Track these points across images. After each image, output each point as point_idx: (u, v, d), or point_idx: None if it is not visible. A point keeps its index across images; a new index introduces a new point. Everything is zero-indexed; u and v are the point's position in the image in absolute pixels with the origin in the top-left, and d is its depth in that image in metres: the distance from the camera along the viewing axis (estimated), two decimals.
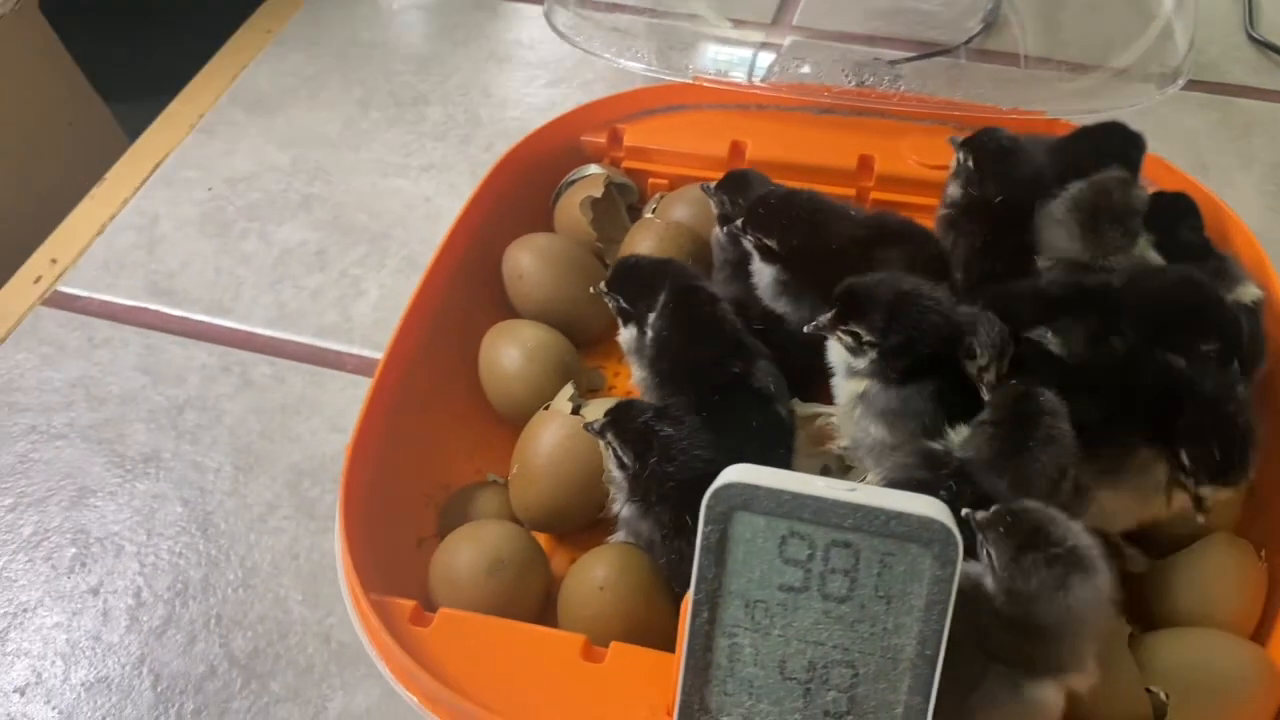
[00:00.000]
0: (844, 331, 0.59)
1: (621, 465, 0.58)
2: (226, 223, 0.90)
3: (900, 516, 0.44)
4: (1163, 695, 0.52)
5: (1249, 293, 0.65)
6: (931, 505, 0.44)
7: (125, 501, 0.72)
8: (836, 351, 0.61)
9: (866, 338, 0.58)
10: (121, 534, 0.71)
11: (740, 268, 0.69)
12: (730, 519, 0.45)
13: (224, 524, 0.71)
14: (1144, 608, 0.60)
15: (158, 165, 0.96)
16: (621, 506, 0.59)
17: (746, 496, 0.45)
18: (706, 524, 0.45)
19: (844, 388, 0.61)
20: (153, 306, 0.84)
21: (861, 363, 0.59)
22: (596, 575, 0.56)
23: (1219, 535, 0.59)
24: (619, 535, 0.60)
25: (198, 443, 0.75)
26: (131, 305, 0.84)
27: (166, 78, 1.04)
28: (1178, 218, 0.69)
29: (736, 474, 0.45)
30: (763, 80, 0.84)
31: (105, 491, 0.73)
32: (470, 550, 0.57)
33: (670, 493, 0.56)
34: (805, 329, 0.61)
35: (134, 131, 1.00)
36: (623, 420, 0.58)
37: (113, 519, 0.71)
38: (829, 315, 0.59)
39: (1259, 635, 0.57)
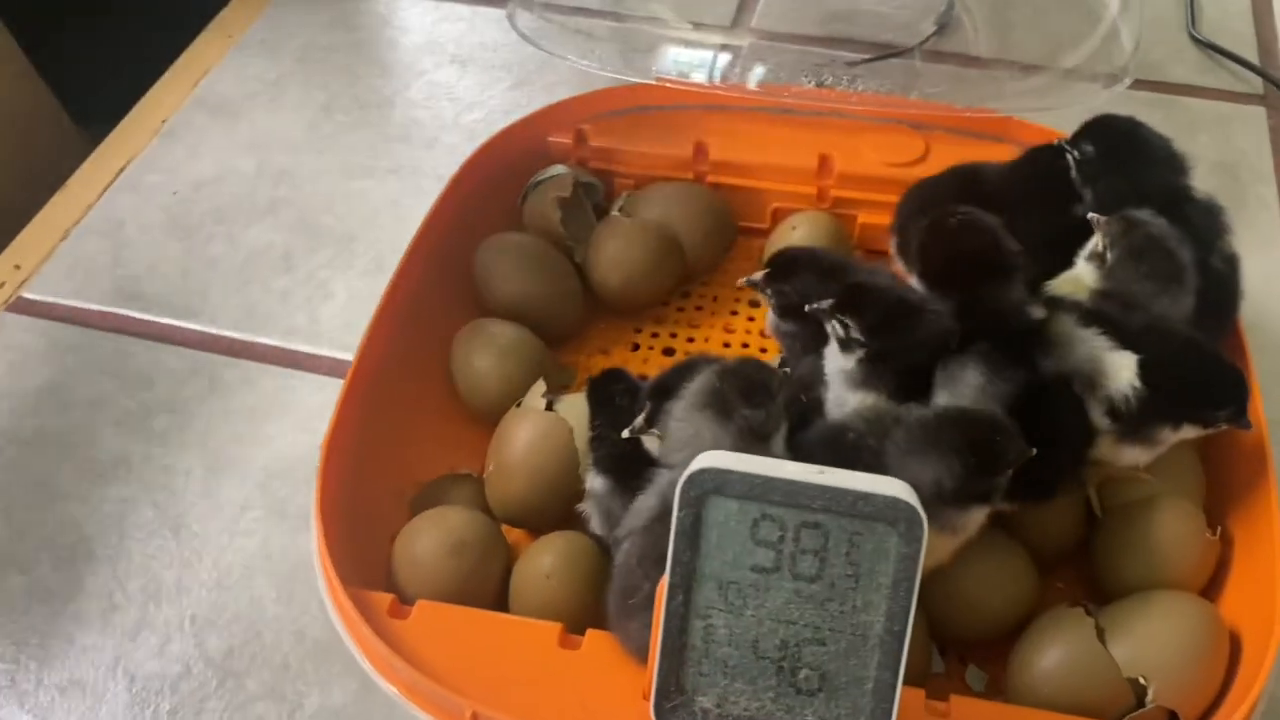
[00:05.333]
0: (839, 321, 0.59)
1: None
2: (192, 226, 0.90)
3: (867, 497, 0.45)
4: (1142, 680, 0.54)
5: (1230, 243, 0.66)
6: (897, 486, 0.46)
7: (96, 506, 0.72)
8: (833, 360, 0.61)
9: (855, 335, 0.58)
10: (93, 538, 0.71)
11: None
12: (704, 503, 0.47)
13: (196, 526, 0.71)
14: (1092, 583, 0.61)
15: (121, 170, 0.95)
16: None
17: (720, 481, 0.46)
18: (681, 509, 0.47)
19: (846, 400, 0.60)
20: (120, 311, 0.84)
21: (849, 362, 0.59)
22: (543, 564, 0.57)
23: (1161, 499, 0.60)
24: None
25: (167, 445, 0.75)
26: (98, 310, 0.84)
27: (125, 81, 1.04)
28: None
29: (709, 460, 0.47)
30: (722, 81, 0.85)
31: (76, 496, 0.73)
32: (432, 533, 0.58)
33: None
34: (806, 308, 0.60)
35: (94, 137, 1.00)
36: None
37: (84, 523, 0.71)
38: (829, 301, 0.59)
39: (1208, 594, 0.59)
